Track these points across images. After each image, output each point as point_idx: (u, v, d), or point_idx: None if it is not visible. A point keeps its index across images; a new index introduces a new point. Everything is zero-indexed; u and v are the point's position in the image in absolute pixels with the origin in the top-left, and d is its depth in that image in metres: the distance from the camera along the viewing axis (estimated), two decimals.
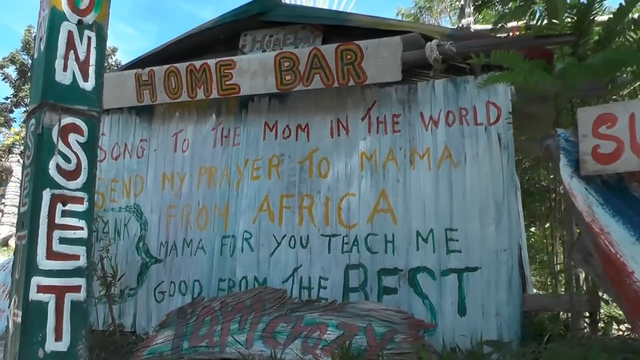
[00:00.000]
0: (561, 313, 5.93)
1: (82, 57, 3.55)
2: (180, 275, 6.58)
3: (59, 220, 3.29)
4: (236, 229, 6.41)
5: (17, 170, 15.98)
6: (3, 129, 43.17)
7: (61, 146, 3.37)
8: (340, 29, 6.46)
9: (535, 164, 8.69)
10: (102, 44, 3.66)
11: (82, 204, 3.40)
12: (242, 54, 6.86)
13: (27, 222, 3.27)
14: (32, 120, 3.47)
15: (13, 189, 15.97)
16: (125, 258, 6.90)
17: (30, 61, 43.81)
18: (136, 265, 6.83)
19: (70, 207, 3.34)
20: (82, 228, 3.37)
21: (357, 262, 5.87)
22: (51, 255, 3.23)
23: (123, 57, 59.97)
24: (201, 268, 6.49)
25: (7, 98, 45.06)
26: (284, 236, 6.19)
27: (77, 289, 3.31)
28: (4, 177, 17.52)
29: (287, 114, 6.53)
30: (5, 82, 44.15)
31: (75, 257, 3.32)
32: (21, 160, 16.60)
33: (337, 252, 5.97)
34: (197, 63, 6.42)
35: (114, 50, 42.50)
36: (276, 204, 6.30)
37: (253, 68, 6.20)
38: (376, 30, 6.11)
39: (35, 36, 3.97)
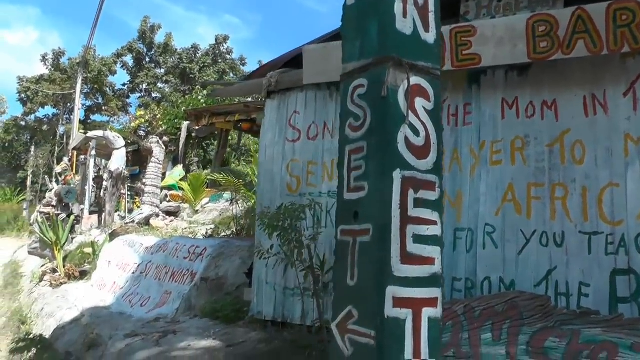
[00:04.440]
0: None
1: (420, 0, 2.75)
2: None
3: (412, 211, 2.50)
4: (474, 221, 5.52)
5: (156, 151, 15.86)
6: (121, 113, 44.73)
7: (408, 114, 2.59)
8: None
9: None
10: None
11: (434, 190, 2.60)
12: (465, 21, 5.95)
13: (371, 212, 2.51)
14: (361, 81, 2.69)
15: (153, 170, 15.88)
16: (329, 248, 6.18)
17: (145, 50, 45.26)
18: None
19: (422, 194, 2.55)
20: (435, 222, 2.57)
21: (625, 267, 4.86)
22: (406, 258, 2.45)
23: (233, 46, 59.81)
24: None
25: (124, 84, 46.70)
26: (534, 232, 5.24)
27: (433, 302, 2.52)
28: (145, 157, 17.57)
29: (529, 88, 5.55)
30: (123, 69, 45.68)
31: (430, 261, 2.53)
32: (160, 142, 16.53)
33: (599, 253, 4.97)
34: None
35: (225, 39, 42.98)
36: (523, 193, 5.35)
37: (498, 34, 5.27)
38: None
39: None
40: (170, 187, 20.03)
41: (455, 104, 5.84)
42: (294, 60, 7.14)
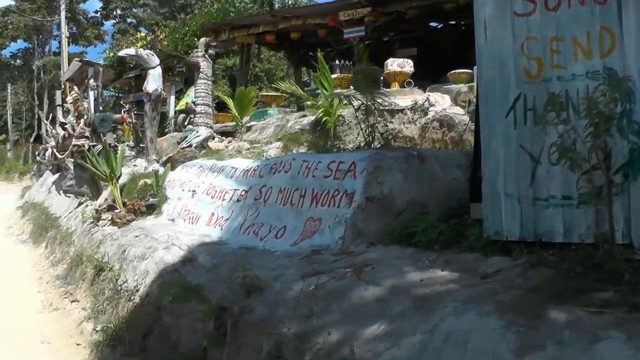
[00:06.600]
0: None
1: None
2: None
3: None
4: None
5: (204, 66, 14.20)
6: (97, 42, 41.95)
7: None
8: None
9: None
10: None
11: None
12: None
13: None
14: None
15: (203, 87, 14.22)
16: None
17: None
18: (619, 151, 4.94)
19: None
20: None
21: None
22: None
23: None
24: None
25: (96, 12, 43.63)
26: None
27: None
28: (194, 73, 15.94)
29: None
30: None
31: None
32: (207, 56, 14.83)
33: None
34: None
35: None
36: None
37: None
38: None
39: None
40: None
41: None
42: None
